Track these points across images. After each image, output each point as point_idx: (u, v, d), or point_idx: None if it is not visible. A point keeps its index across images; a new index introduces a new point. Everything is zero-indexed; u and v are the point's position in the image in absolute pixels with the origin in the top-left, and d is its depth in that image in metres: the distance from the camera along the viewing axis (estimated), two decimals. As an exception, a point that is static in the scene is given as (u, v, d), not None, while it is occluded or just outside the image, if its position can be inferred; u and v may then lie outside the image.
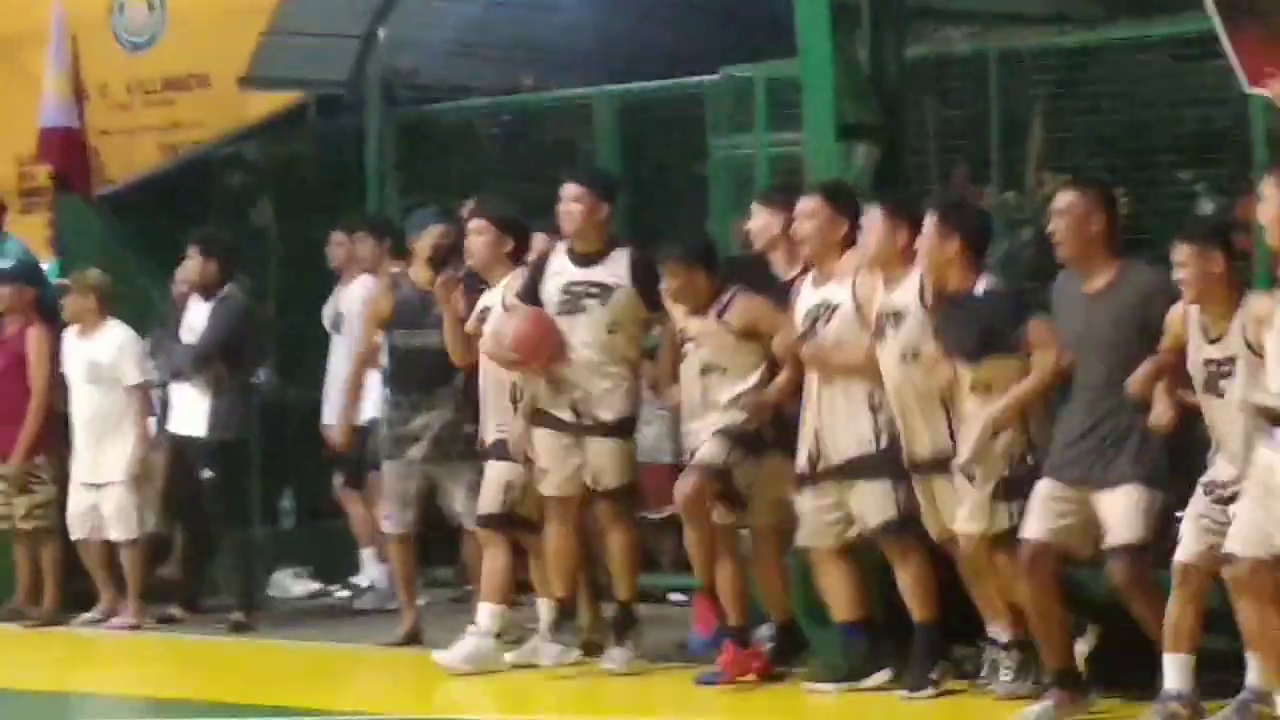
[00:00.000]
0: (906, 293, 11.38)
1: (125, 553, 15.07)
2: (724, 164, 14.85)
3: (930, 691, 11.44)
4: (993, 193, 13.60)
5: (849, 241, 11.75)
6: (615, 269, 12.44)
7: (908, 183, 13.13)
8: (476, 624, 12.65)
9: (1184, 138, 13.34)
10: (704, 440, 12.04)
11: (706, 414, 12.07)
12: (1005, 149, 13.60)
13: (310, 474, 16.52)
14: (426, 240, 13.60)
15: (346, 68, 17.05)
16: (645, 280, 12.37)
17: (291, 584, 16.03)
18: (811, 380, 11.73)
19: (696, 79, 15.12)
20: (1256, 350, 9.93)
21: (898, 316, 11.37)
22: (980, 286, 11.23)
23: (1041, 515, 10.63)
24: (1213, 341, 10.25)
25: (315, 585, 16.02)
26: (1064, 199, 10.94)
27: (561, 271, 12.46)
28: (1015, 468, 10.96)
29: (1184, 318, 10.35)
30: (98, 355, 15.12)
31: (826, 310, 11.73)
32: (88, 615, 15.21)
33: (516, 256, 12.91)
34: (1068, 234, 10.84)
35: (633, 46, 17.01)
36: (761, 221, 12.47)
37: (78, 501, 15.15)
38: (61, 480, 15.32)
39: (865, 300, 11.60)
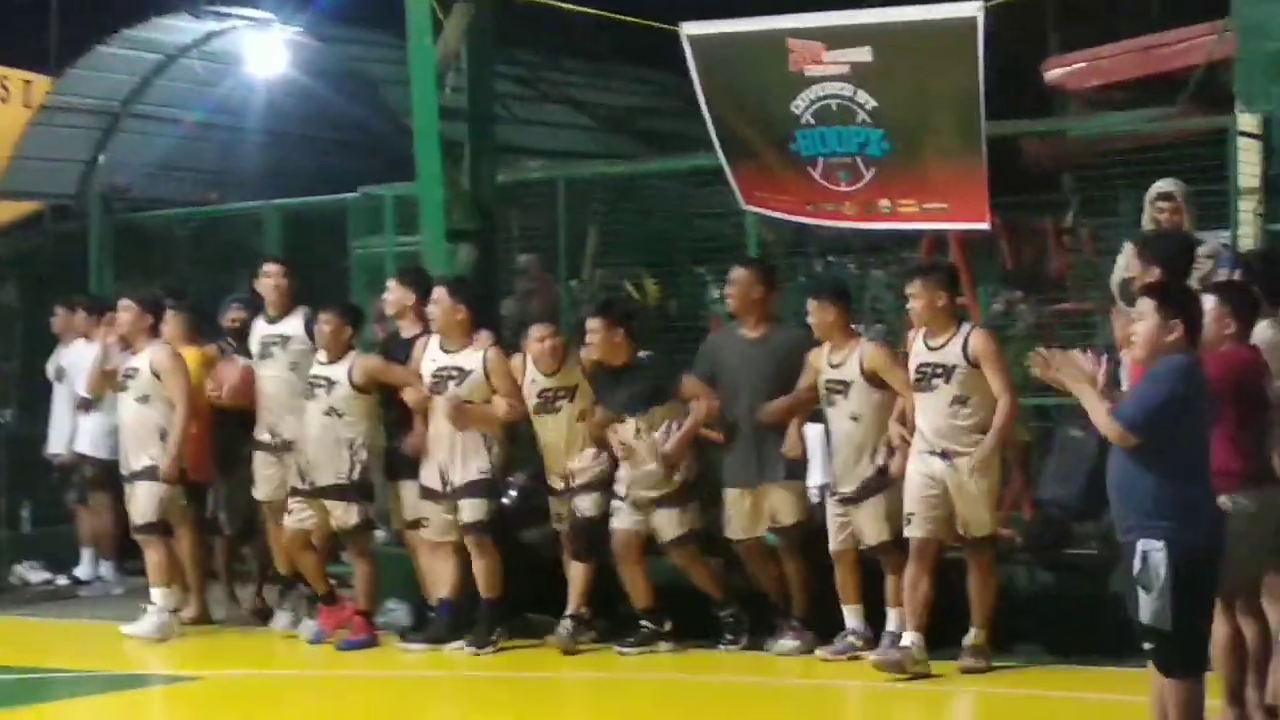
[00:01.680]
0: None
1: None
2: (362, 260, 14.69)
3: (490, 650, 11.38)
4: (561, 280, 13.62)
5: (471, 321, 11.65)
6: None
7: (498, 273, 13.30)
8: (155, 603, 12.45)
9: (698, 242, 13.49)
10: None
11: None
12: (570, 249, 13.60)
13: (43, 489, 16.24)
14: (231, 315, 13.23)
15: (74, 183, 16.80)
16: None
17: (29, 574, 15.67)
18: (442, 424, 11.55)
19: (342, 195, 14.95)
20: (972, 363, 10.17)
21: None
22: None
23: None
24: (834, 367, 10.57)
25: (47, 575, 15.68)
26: (735, 273, 11.13)
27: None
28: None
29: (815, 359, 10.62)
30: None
31: (458, 373, 11.59)
32: None
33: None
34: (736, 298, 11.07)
35: (295, 171, 16.98)
36: (397, 295, 12.26)
37: None
38: None
39: (492, 370, 11.50)
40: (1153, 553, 7.12)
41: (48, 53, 18.74)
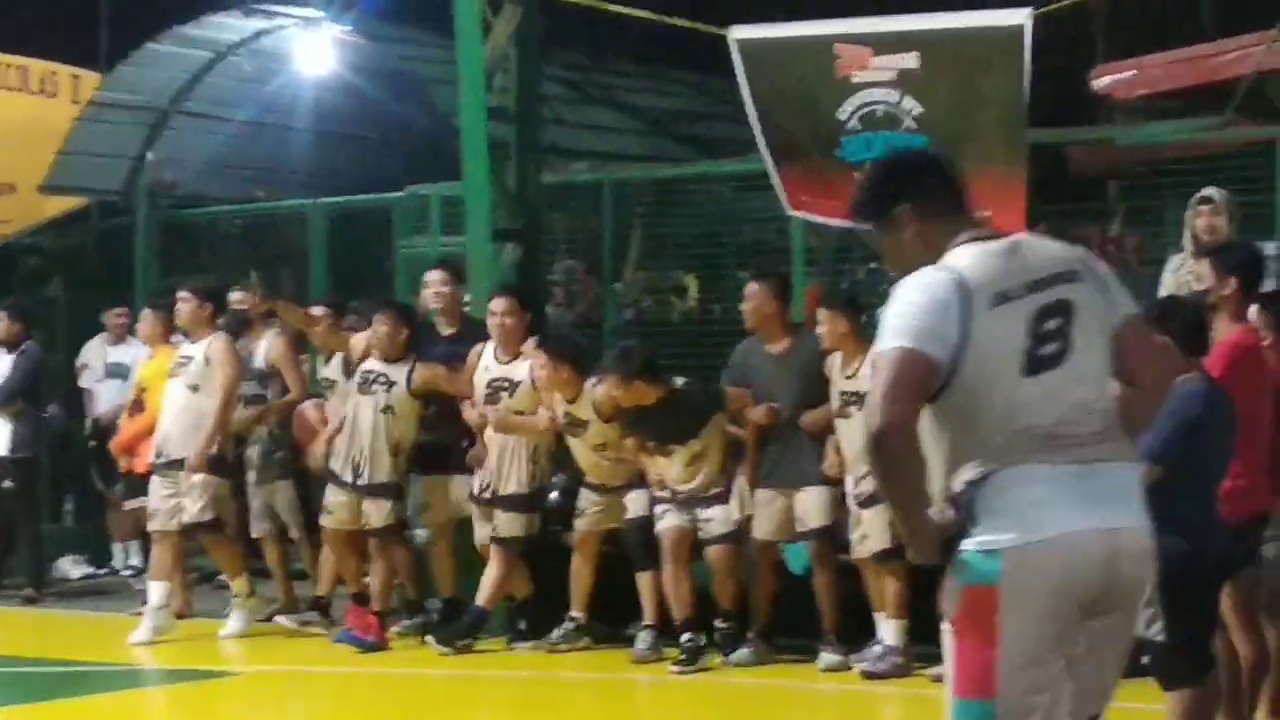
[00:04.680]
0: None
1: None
2: (406, 259, 14.65)
3: (451, 653, 11.35)
4: (605, 283, 13.65)
5: (526, 330, 11.67)
6: None
7: (542, 275, 13.38)
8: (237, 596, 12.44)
9: (743, 246, 13.56)
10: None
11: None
12: (614, 252, 13.64)
13: (86, 485, 16.35)
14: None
15: (122, 180, 16.89)
16: None
17: (70, 568, 15.79)
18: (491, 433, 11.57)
19: (387, 195, 14.99)
20: None
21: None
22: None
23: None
24: (848, 378, 10.54)
25: (89, 569, 15.80)
26: (749, 289, 11.01)
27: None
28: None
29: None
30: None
31: (509, 385, 11.59)
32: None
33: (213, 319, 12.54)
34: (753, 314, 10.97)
35: (341, 170, 17.09)
36: (445, 289, 12.21)
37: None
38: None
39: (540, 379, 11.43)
40: None
41: (97, 49, 18.91)
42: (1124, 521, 4.82)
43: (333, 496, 12.01)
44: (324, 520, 12.10)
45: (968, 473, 4.78)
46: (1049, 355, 4.78)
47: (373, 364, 11.91)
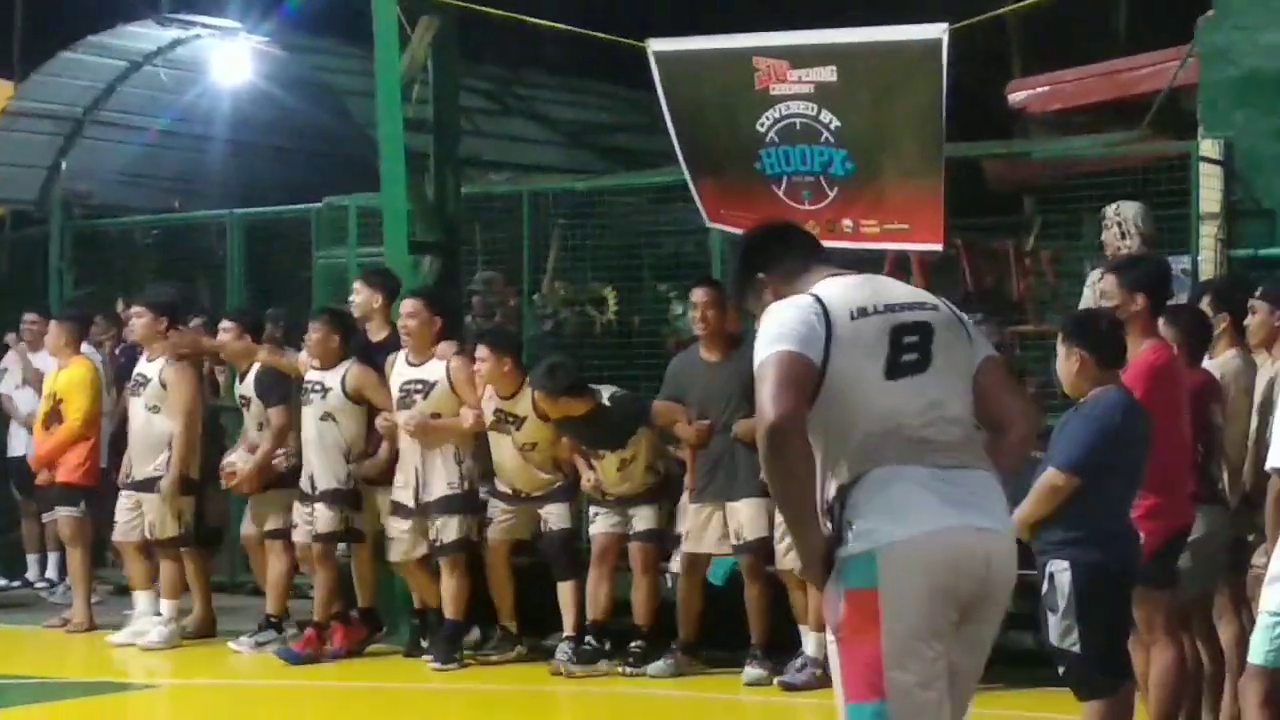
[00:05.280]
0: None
1: None
2: (324, 270, 14.63)
3: (455, 666, 11.35)
4: (523, 294, 13.58)
5: (441, 333, 11.66)
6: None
7: (462, 286, 13.36)
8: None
9: (662, 258, 13.55)
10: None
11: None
12: (532, 263, 13.58)
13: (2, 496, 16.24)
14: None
15: (36, 189, 16.79)
16: None
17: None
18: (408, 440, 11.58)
19: (305, 205, 14.91)
20: None
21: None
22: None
23: None
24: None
25: (2, 580, 15.67)
26: (697, 294, 11.01)
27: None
28: None
29: None
30: None
31: (423, 386, 11.57)
32: None
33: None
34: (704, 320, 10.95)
35: (258, 180, 17.02)
36: (363, 296, 12.18)
37: None
38: None
39: (456, 380, 11.49)
40: (1059, 574, 7.20)
41: (11, 58, 18.77)
42: (991, 524, 5.02)
43: (298, 512, 12.07)
44: (295, 536, 12.11)
45: (841, 477, 4.98)
46: (909, 363, 5.05)
47: (311, 374, 11.92)
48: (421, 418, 11.47)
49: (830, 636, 5.01)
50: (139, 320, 12.58)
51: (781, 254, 5.35)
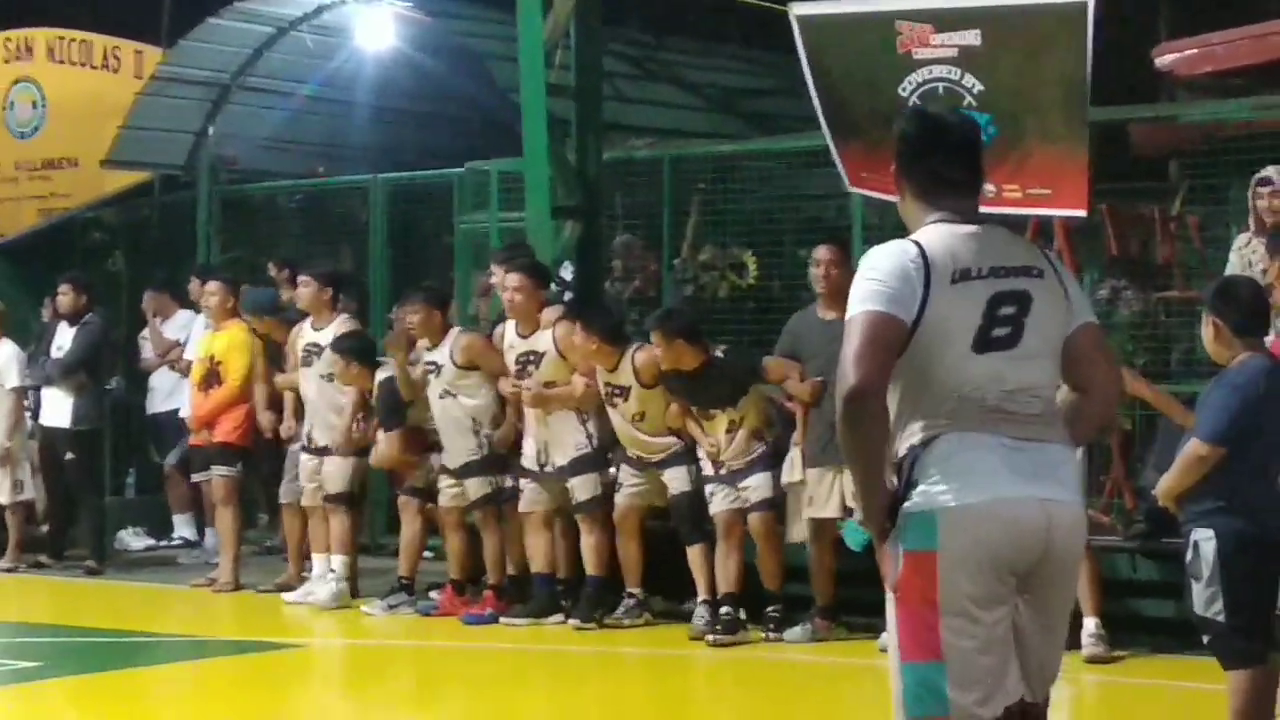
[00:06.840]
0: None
1: (6, 514, 14.88)
2: (466, 235, 14.79)
3: (594, 627, 11.44)
4: (663, 259, 13.65)
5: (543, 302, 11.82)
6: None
7: (602, 250, 13.40)
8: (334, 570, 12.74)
9: (802, 223, 13.53)
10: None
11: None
12: (673, 228, 13.64)
13: (147, 457, 16.52)
14: None
15: (184, 154, 16.99)
16: None
17: (131, 540, 15.93)
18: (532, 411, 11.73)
19: (448, 170, 15.08)
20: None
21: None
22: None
23: None
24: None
25: (150, 540, 15.93)
26: (821, 252, 11.12)
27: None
28: None
29: None
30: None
31: (535, 357, 11.71)
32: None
33: (333, 303, 12.90)
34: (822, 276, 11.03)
35: (401, 145, 17.14)
36: (498, 276, 12.27)
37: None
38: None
39: (563, 346, 11.62)
40: (1203, 542, 7.13)
41: (160, 24, 18.99)
42: (1058, 494, 5.01)
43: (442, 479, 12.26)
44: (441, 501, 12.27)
45: (913, 436, 4.98)
46: (999, 338, 5.00)
47: (426, 354, 12.10)
48: (538, 387, 11.61)
49: (889, 595, 5.03)
50: (305, 289, 12.89)
51: (927, 170, 5.16)
